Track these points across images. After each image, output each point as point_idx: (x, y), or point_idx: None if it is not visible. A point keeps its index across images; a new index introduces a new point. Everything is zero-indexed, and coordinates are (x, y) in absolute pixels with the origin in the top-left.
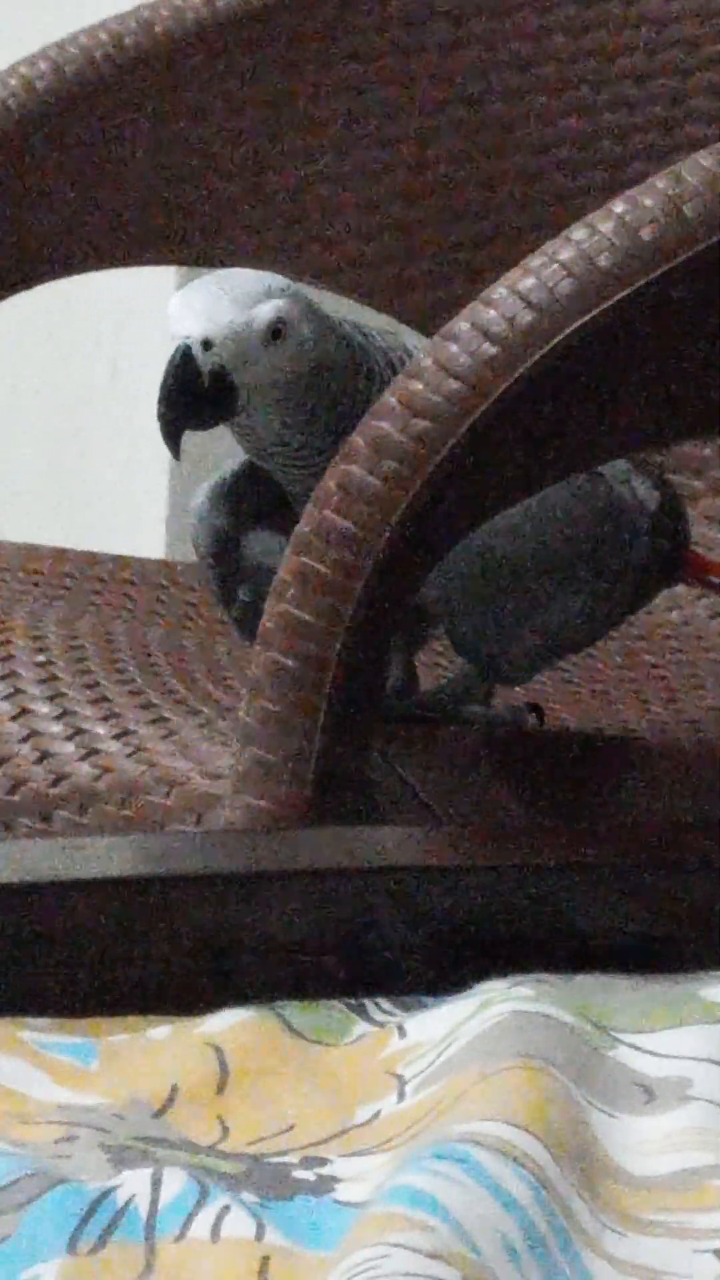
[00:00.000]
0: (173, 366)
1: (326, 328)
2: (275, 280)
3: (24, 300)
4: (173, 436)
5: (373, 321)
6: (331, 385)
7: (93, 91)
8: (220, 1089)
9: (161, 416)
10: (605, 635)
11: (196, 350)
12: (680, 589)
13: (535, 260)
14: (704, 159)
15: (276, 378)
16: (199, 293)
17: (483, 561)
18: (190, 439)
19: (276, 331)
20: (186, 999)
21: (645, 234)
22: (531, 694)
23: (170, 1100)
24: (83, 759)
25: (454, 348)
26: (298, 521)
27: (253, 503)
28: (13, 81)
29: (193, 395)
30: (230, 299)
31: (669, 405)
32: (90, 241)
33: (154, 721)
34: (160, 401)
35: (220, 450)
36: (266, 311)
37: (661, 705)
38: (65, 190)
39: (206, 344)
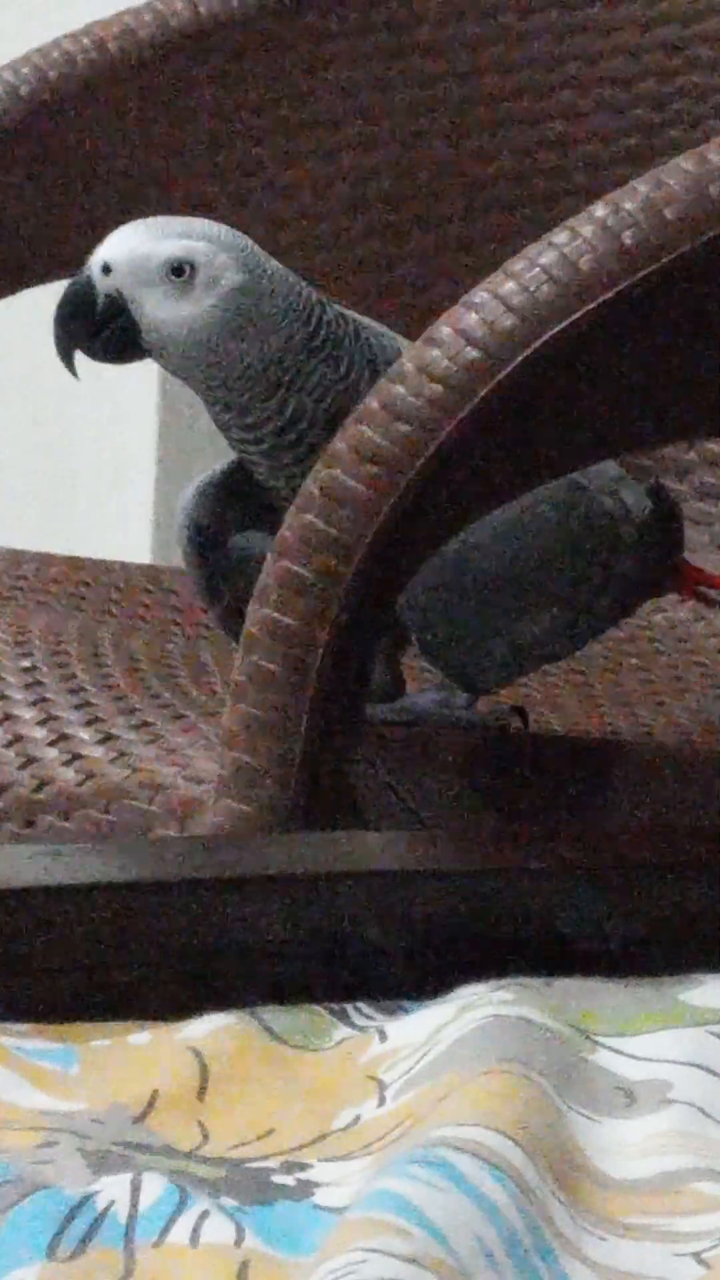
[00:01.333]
0: (70, 285)
1: (271, 291)
2: (225, 233)
3: (8, 305)
4: (63, 356)
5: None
6: (263, 349)
7: (77, 96)
8: (201, 1094)
9: (55, 336)
10: (586, 645)
11: (95, 273)
12: None
13: (516, 264)
14: (685, 163)
15: (183, 318)
16: (131, 226)
17: (455, 573)
18: (175, 439)
19: (179, 269)
20: (168, 1004)
21: (626, 237)
22: (516, 698)
23: (150, 1105)
24: (66, 764)
25: (435, 352)
26: (282, 524)
27: (239, 504)
28: None
29: (88, 319)
30: (152, 233)
31: (651, 409)
32: (74, 245)
33: (138, 726)
34: (55, 319)
35: (209, 453)
36: (170, 247)
37: (647, 709)
38: (49, 194)
39: (106, 269)
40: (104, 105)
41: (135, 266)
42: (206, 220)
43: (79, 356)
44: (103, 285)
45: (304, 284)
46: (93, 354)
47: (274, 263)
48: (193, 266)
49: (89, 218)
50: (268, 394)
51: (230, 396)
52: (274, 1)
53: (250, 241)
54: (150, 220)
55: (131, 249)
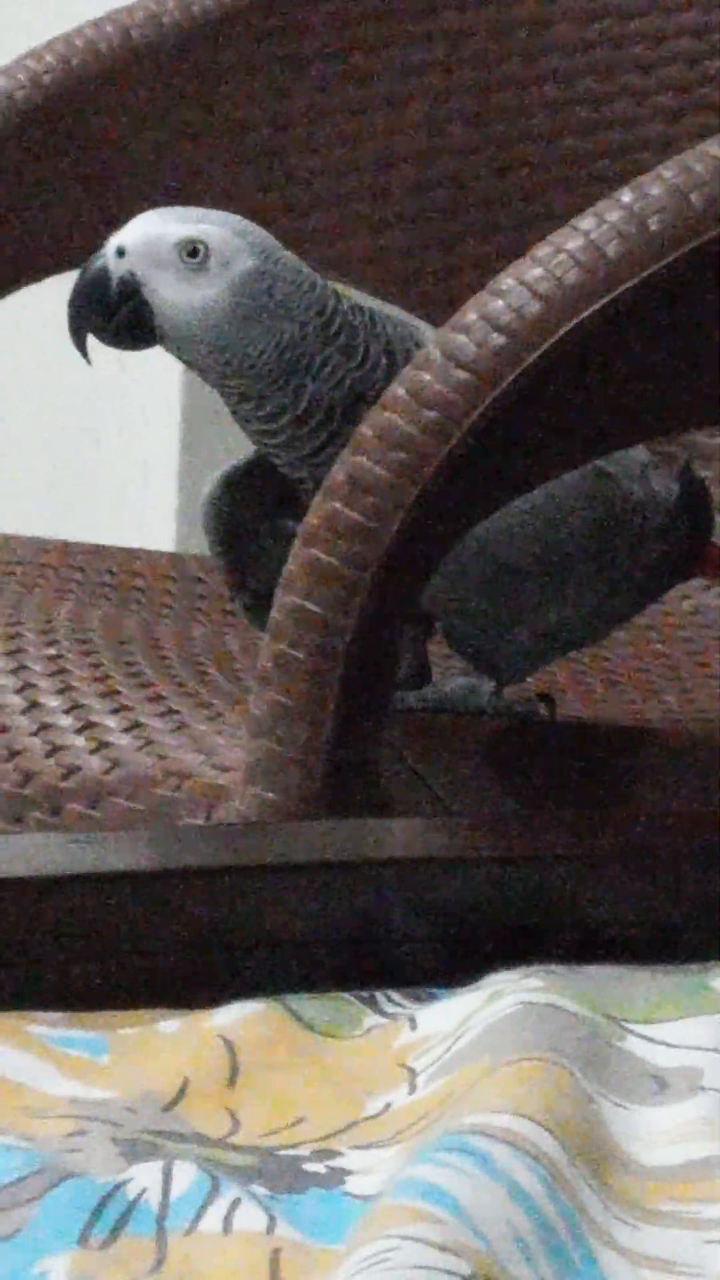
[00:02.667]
0: (84, 269)
1: (284, 278)
2: (239, 221)
3: (32, 293)
4: (77, 340)
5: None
6: (276, 335)
7: (99, 83)
8: (231, 1082)
9: (69, 319)
10: (614, 631)
11: (110, 257)
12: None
13: (543, 250)
14: (712, 148)
15: (195, 300)
16: (147, 213)
17: (479, 562)
18: (200, 430)
19: (194, 251)
20: (197, 992)
21: (653, 223)
22: (542, 684)
23: (181, 1093)
24: (93, 752)
25: (462, 339)
26: (307, 511)
27: (264, 492)
28: (19, 75)
29: (101, 302)
30: (167, 218)
31: (678, 394)
32: (98, 234)
33: (164, 714)
34: (69, 303)
35: (232, 442)
36: (184, 229)
37: (672, 695)
38: (71, 182)
39: (121, 251)
40: (127, 93)
41: (149, 248)
42: (222, 210)
43: (96, 344)
44: (117, 268)
45: (318, 275)
46: (106, 338)
47: (288, 253)
48: (206, 248)
49: (113, 206)
50: (283, 382)
51: (244, 385)
52: None
53: (264, 231)
54: (166, 208)
55: (145, 232)
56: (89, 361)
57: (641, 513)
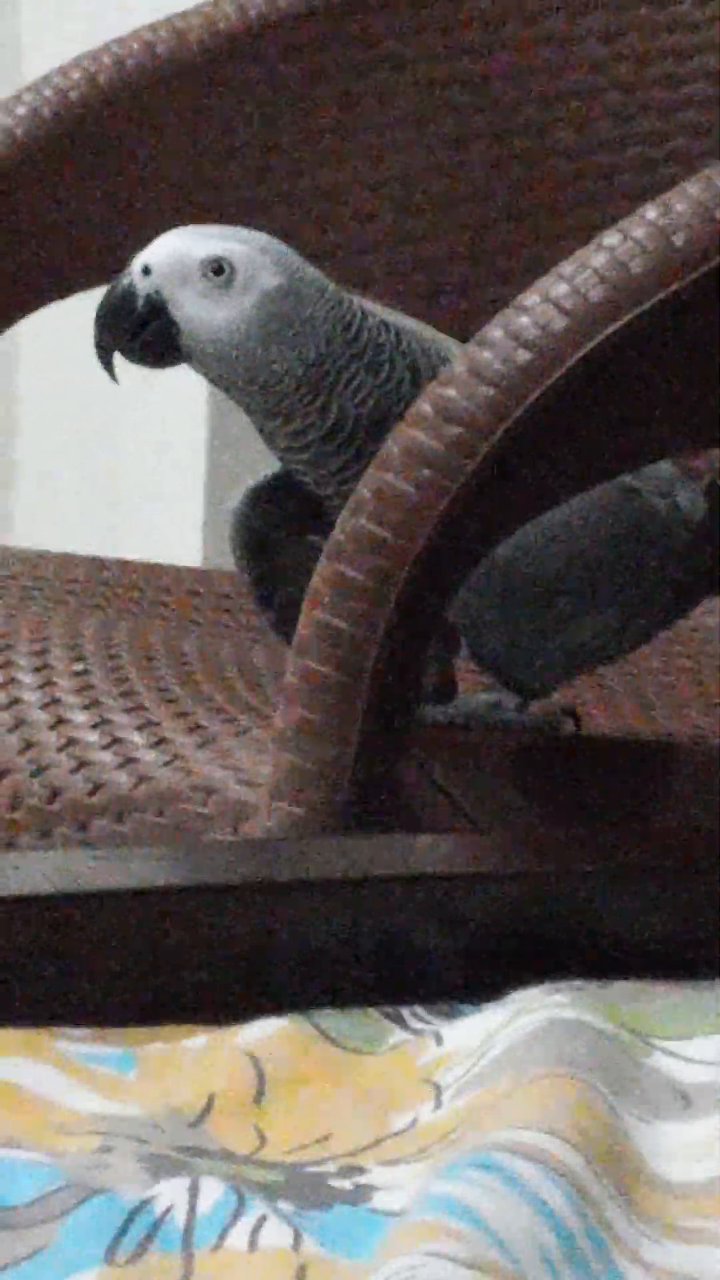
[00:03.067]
0: (110, 288)
1: (309, 295)
2: (264, 239)
3: (59, 310)
4: (102, 359)
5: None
6: (301, 352)
7: (126, 101)
8: (257, 1098)
9: (95, 337)
10: (640, 647)
11: (136, 275)
12: None
13: (568, 266)
14: None
15: (220, 318)
16: (173, 231)
17: (507, 577)
18: (226, 446)
19: (219, 269)
20: (223, 1008)
21: (677, 239)
22: (568, 699)
23: (207, 1110)
24: (120, 767)
25: (488, 354)
26: (333, 528)
27: (290, 507)
28: (46, 92)
29: (127, 320)
30: (192, 236)
31: (703, 410)
32: (125, 250)
33: (191, 729)
34: (95, 321)
35: (258, 458)
36: (209, 247)
37: (698, 710)
38: (98, 199)
39: (146, 270)
40: (154, 109)
41: (174, 266)
42: (247, 228)
43: (117, 361)
44: (143, 286)
45: (343, 291)
46: (131, 356)
47: (313, 269)
48: (231, 266)
49: (140, 223)
50: (309, 399)
51: (270, 402)
52: (322, 5)
53: (289, 248)
54: (191, 227)
55: (171, 250)
56: (115, 380)
57: (668, 528)
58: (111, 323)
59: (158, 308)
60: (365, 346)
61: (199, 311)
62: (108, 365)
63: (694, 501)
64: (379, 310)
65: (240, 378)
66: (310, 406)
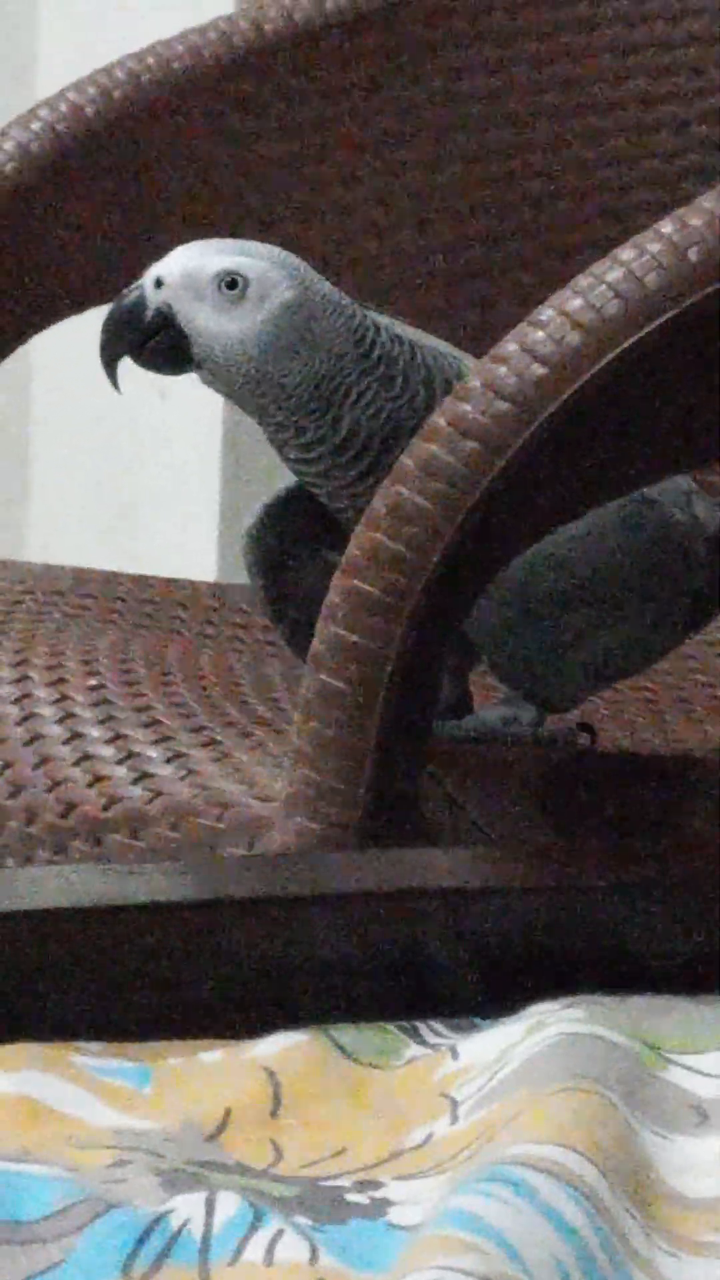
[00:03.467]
0: (119, 297)
1: (322, 310)
2: (278, 253)
3: (74, 325)
4: (107, 366)
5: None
6: (313, 366)
7: (141, 116)
8: (273, 1112)
9: (100, 345)
10: (659, 660)
11: (148, 287)
12: None
13: (583, 281)
14: None
15: (233, 332)
16: (186, 245)
17: (524, 592)
18: (241, 460)
19: (233, 283)
20: (239, 1023)
21: (693, 254)
22: (583, 713)
23: (223, 1124)
24: (135, 782)
25: (502, 369)
26: (348, 543)
27: (305, 522)
28: (61, 107)
29: (136, 330)
30: (205, 249)
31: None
32: (138, 265)
33: (206, 744)
34: (102, 329)
35: (273, 472)
36: (222, 261)
37: (715, 724)
38: (112, 214)
39: (159, 282)
40: (169, 124)
41: (187, 280)
42: (261, 243)
43: (129, 375)
44: (154, 298)
45: (356, 305)
46: (141, 363)
47: (327, 284)
48: (244, 280)
49: (155, 237)
50: (321, 412)
51: (282, 415)
52: (337, 20)
53: (303, 262)
54: (205, 240)
55: (184, 263)
56: (118, 389)
57: (686, 541)
58: (118, 332)
59: (167, 320)
60: (378, 360)
61: (212, 325)
62: (112, 374)
63: (712, 514)
64: (393, 325)
65: (252, 391)
66: (322, 419)
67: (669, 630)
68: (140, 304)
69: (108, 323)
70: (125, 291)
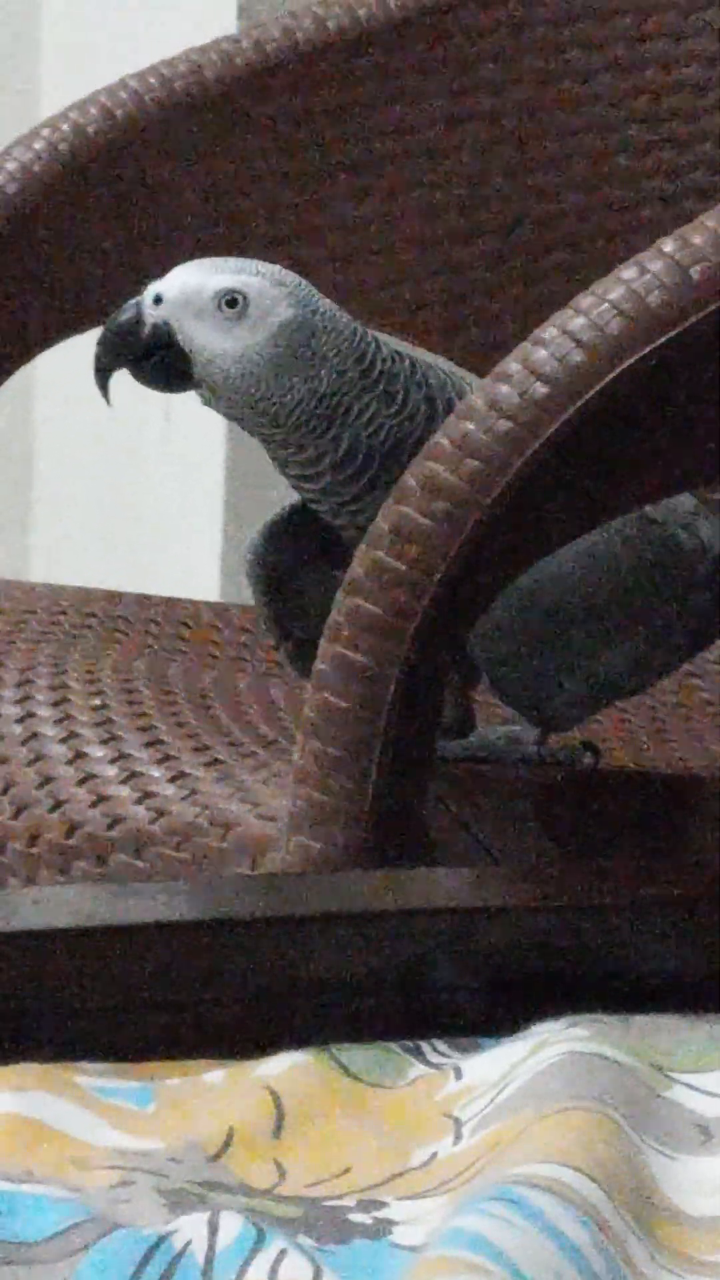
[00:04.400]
0: (116, 312)
1: (322, 327)
2: (278, 271)
3: (77, 345)
4: (99, 380)
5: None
6: (314, 385)
7: (143, 136)
8: (276, 1132)
9: (95, 358)
10: (662, 679)
11: (146, 304)
12: None
13: (585, 300)
14: None
15: (233, 350)
16: (186, 264)
17: (525, 610)
18: (244, 479)
19: (232, 301)
20: (242, 1042)
21: (695, 272)
22: (587, 732)
23: (226, 1144)
24: (138, 802)
25: (505, 388)
26: (351, 560)
27: (308, 541)
28: (64, 127)
29: (131, 345)
30: (205, 268)
31: None
32: (139, 285)
33: (209, 764)
34: (97, 342)
35: (277, 491)
36: (223, 279)
37: (717, 742)
38: (114, 233)
39: (158, 299)
40: (171, 144)
41: (187, 298)
42: (261, 261)
43: (135, 396)
44: (152, 315)
45: (357, 323)
46: (141, 379)
47: (327, 301)
48: (245, 299)
49: (158, 256)
50: (322, 430)
51: (282, 433)
52: (339, 41)
53: (303, 280)
54: (206, 259)
55: (185, 281)
56: (109, 403)
57: (690, 560)
58: (112, 347)
59: (165, 336)
60: (379, 377)
61: (212, 343)
62: (103, 387)
63: (716, 533)
64: (393, 342)
65: (253, 409)
66: (323, 437)
67: (671, 650)
68: (136, 319)
69: (102, 337)
70: (121, 307)
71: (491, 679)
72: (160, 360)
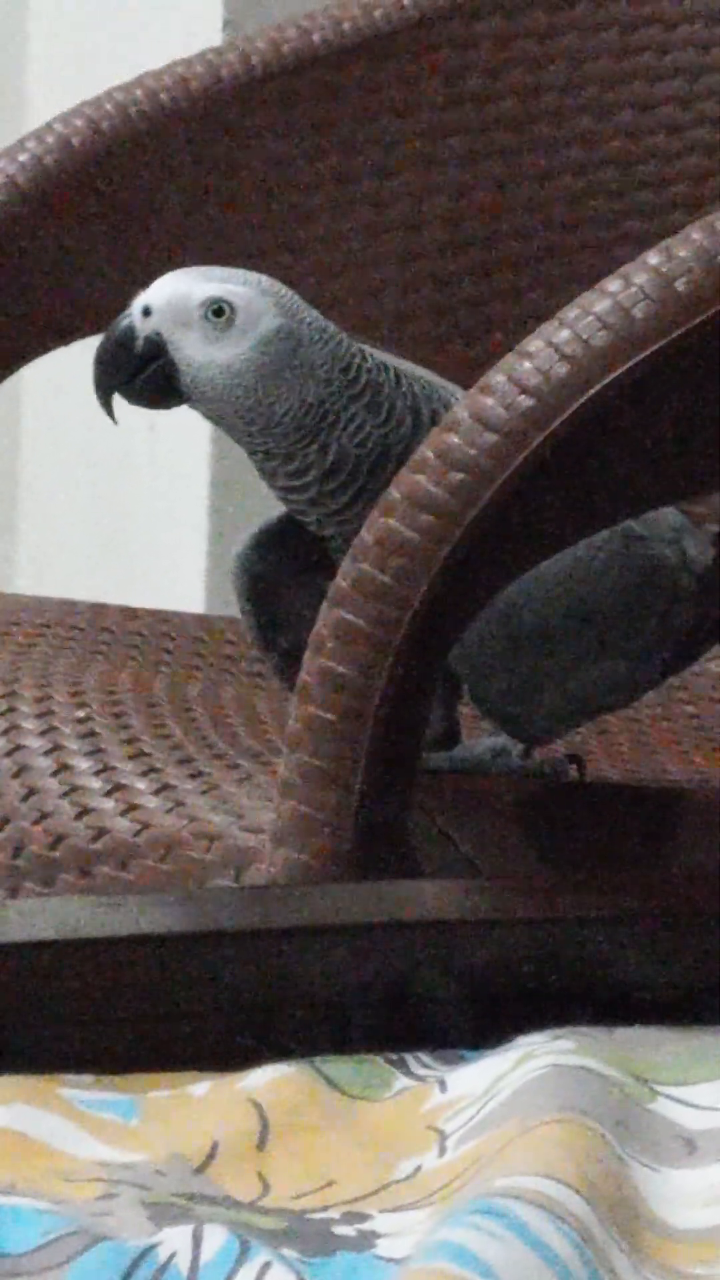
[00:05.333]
0: (110, 329)
1: (309, 337)
2: (265, 280)
3: (63, 356)
4: (102, 399)
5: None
6: (301, 394)
7: (128, 147)
8: (261, 1145)
9: (94, 378)
10: (644, 695)
11: (136, 316)
12: None
13: (570, 312)
14: None
15: (220, 360)
16: (174, 273)
17: (507, 625)
18: (229, 491)
19: (219, 310)
20: (227, 1055)
21: (680, 285)
22: (571, 745)
23: (211, 1156)
24: (123, 814)
25: (490, 401)
26: (336, 572)
27: (294, 552)
28: (49, 139)
29: (127, 361)
30: (192, 277)
31: (708, 455)
32: (124, 295)
33: (193, 776)
34: (94, 363)
35: (262, 502)
36: (209, 289)
37: (702, 755)
38: (100, 245)
39: (146, 311)
40: (156, 156)
41: (174, 308)
42: (247, 270)
43: (120, 407)
44: (143, 327)
45: (343, 333)
46: (131, 398)
47: (313, 311)
48: (231, 308)
49: (142, 268)
50: (308, 440)
51: (270, 444)
52: (323, 53)
53: (288, 289)
54: (192, 268)
55: (171, 291)
56: (114, 421)
57: (675, 575)
58: (111, 364)
59: (157, 349)
60: (365, 388)
61: (199, 353)
62: (107, 406)
63: (700, 548)
64: (379, 354)
65: (240, 419)
66: (309, 447)
67: (654, 666)
68: (131, 333)
69: (100, 355)
70: (115, 322)
71: (473, 693)
72: (153, 375)
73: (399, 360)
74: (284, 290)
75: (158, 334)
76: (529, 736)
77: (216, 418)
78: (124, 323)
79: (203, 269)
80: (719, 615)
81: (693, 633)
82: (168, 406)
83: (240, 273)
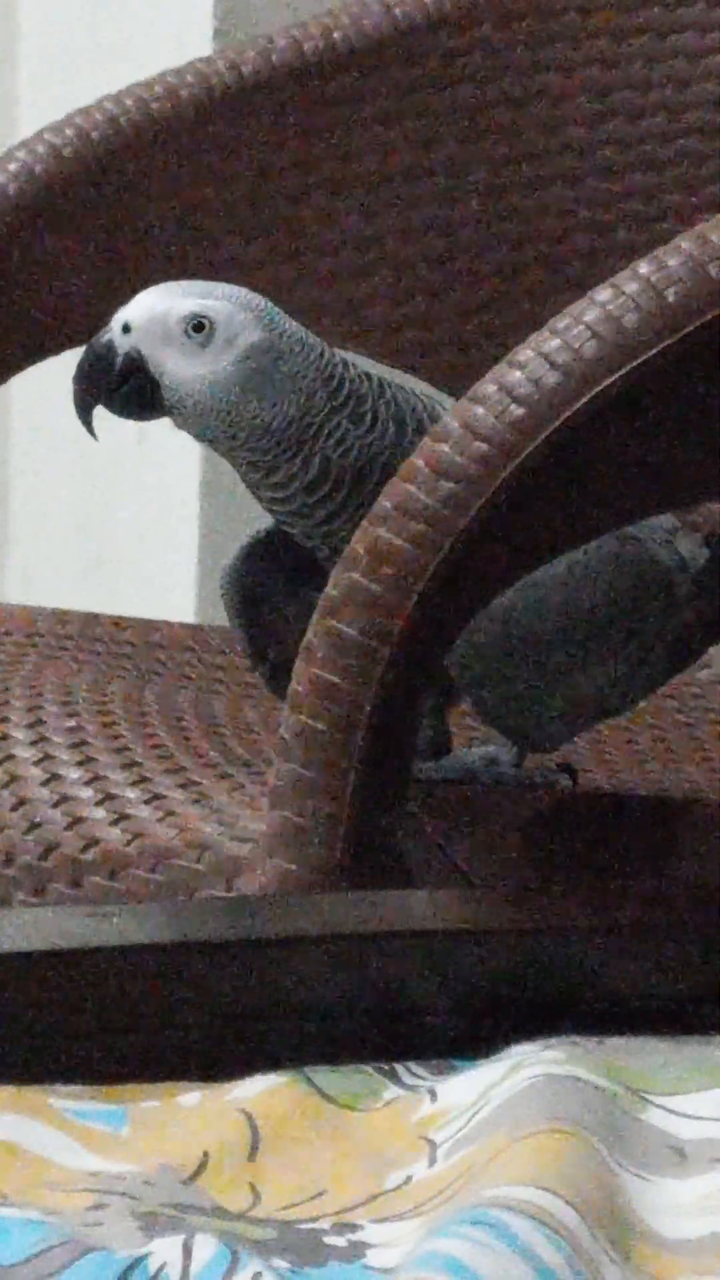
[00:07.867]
0: (89, 346)
1: (290, 350)
2: (245, 294)
3: (50, 365)
4: (81, 414)
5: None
6: (283, 407)
7: (118, 157)
8: (251, 1155)
9: (74, 393)
10: (645, 699)
11: (116, 332)
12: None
13: (561, 322)
14: None
15: (201, 375)
16: (154, 288)
17: (505, 631)
18: (219, 501)
19: (199, 326)
20: (217, 1065)
21: (670, 294)
22: (564, 755)
23: (201, 1167)
24: (114, 824)
25: (480, 410)
26: (326, 581)
27: (284, 562)
28: (39, 149)
29: (107, 377)
30: (172, 293)
31: (700, 464)
32: (111, 307)
33: (184, 785)
34: (73, 379)
35: (252, 513)
36: (189, 304)
37: (694, 765)
38: (87, 255)
39: (126, 328)
40: (147, 166)
41: (154, 324)
42: (228, 284)
43: (107, 418)
44: (122, 344)
45: (324, 344)
46: (113, 409)
47: (294, 324)
48: (211, 323)
49: (133, 278)
50: (292, 451)
51: (253, 456)
52: (314, 63)
53: (270, 303)
54: (171, 283)
55: (151, 308)
56: (95, 437)
57: (670, 579)
58: (90, 380)
59: (137, 365)
60: (348, 398)
61: (180, 369)
62: (87, 424)
63: (695, 552)
64: (363, 364)
65: (223, 433)
66: (294, 459)
67: (651, 669)
68: (110, 350)
69: (79, 372)
70: (95, 339)
71: (472, 700)
72: (132, 389)
73: (384, 369)
74: (264, 303)
75: (137, 351)
76: (533, 743)
77: (199, 433)
78: (103, 339)
79: (183, 284)
80: (715, 618)
81: (689, 636)
82: (149, 418)
83: (220, 287)
